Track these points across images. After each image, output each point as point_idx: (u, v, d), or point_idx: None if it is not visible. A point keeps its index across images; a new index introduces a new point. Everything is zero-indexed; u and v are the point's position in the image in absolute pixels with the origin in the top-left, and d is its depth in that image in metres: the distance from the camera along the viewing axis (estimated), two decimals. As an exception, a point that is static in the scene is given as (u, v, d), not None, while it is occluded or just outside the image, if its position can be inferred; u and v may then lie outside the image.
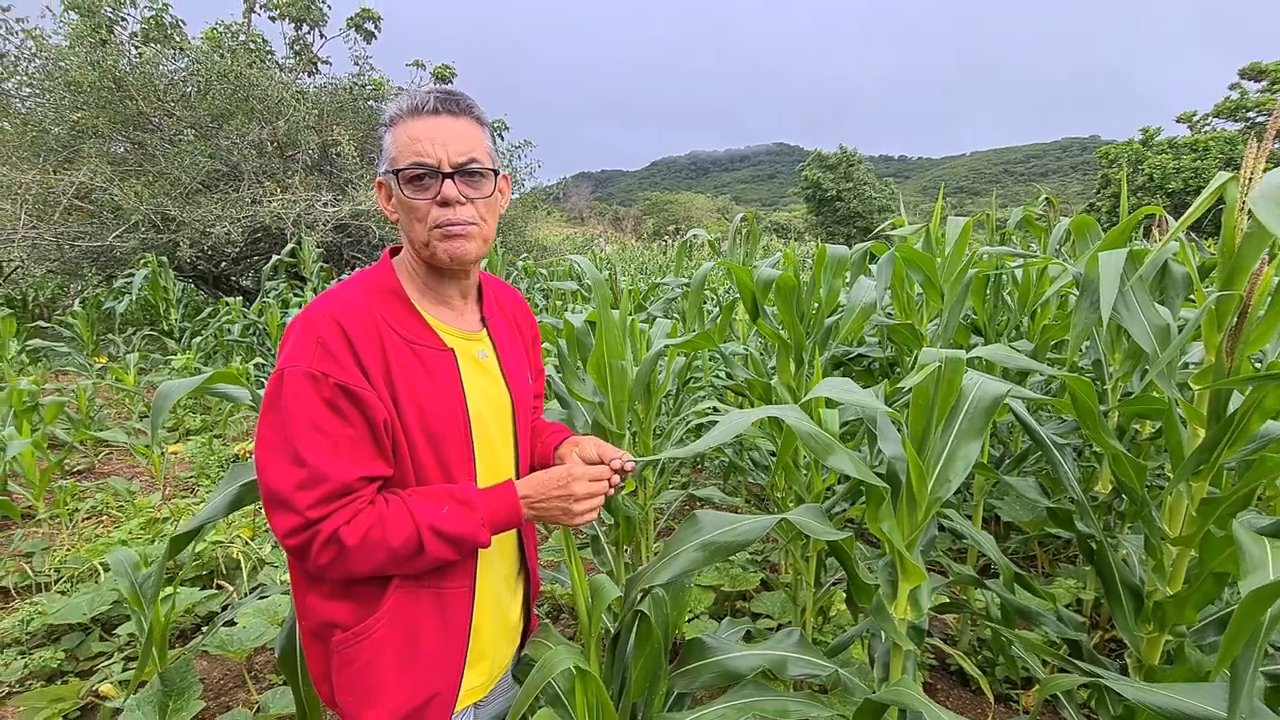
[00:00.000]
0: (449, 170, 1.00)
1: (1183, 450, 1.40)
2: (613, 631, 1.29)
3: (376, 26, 12.49)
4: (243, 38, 11.12)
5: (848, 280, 2.62)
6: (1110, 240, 1.61)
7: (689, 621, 2.60)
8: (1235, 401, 1.38)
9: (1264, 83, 28.74)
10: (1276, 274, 1.34)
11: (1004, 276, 2.73)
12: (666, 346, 1.97)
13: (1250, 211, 1.30)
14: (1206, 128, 30.20)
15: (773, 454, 2.61)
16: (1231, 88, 29.99)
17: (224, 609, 2.80)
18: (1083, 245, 2.25)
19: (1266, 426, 1.38)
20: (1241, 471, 1.60)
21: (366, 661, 0.99)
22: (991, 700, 2.36)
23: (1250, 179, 1.32)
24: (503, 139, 13.42)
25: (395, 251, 1.13)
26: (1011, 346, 2.84)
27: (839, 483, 2.18)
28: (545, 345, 2.52)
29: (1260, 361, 1.66)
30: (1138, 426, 2.36)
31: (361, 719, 1.00)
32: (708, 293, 5.03)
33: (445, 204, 1.01)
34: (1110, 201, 27.97)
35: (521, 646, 1.26)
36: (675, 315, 4.34)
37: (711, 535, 1.17)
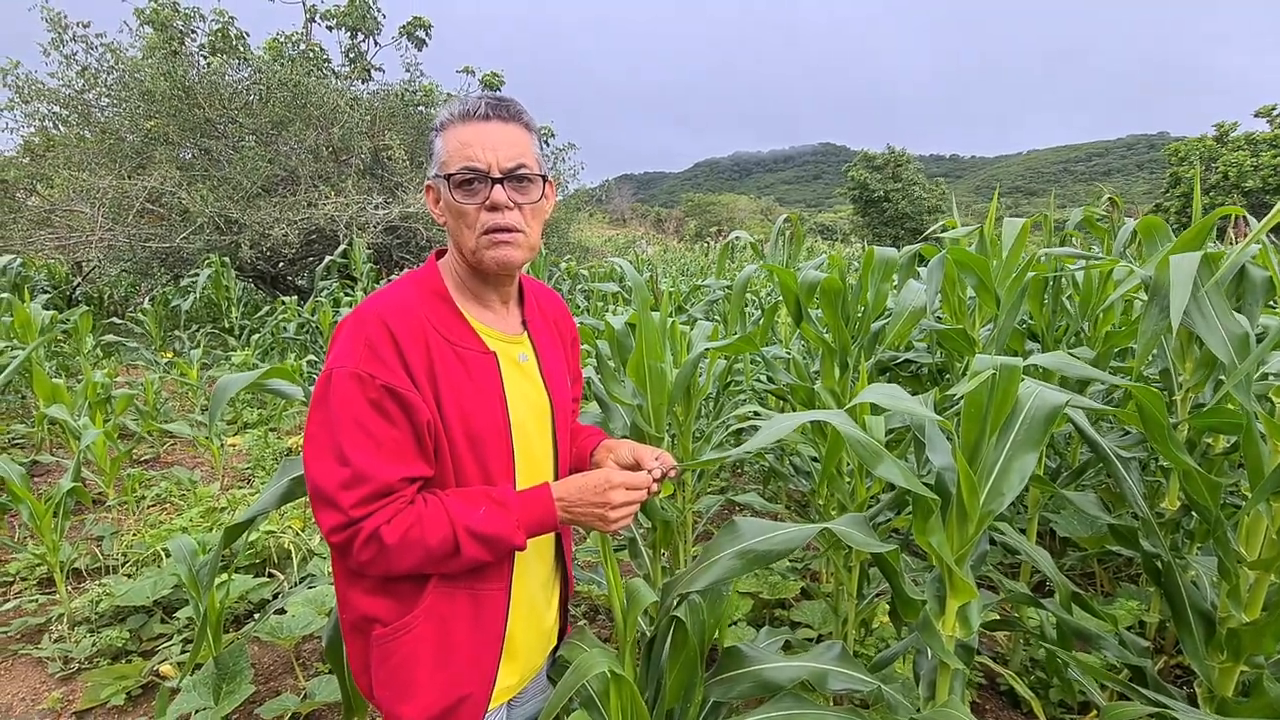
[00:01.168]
0: (498, 175, 1.01)
1: (1263, 468, 1.31)
2: (649, 635, 1.27)
3: (427, 33, 12.83)
4: (302, 47, 11.59)
5: (896, 283, 2.55)
6: (1183, 243, 1.52)
7: (728, 627, 2.57)
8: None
9: (1355, 73, 26.82)
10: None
11: (1063, 280, 2.61)
12: (707, 349, 1.95)
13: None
14: (1292, 122, 28.29)
15: (815, 460, 2.55)
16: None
17: (275, 597, 2.91)
18: (1150, 247, 2.12)
19: (1360, 444, 1.28)
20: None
21: (403, 658, 1.01)
22: (1044, 724, 2.25)
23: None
24: (548, 145, 13.61)
25: (441, 254, 1.15)
26: (1071, 353, 2.71)
27: (883, 492, 2.12)
28: (585, 347, 2.53)
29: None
30: (1209, 441, 2.21)
31: (397, 713, 1.01)
32: (749, 295, 4.98)
33: (494, 208, 1.02)
34: (1179, 201, 26.50)
35: (557, 648, 1.26)
36: (717, 317, 4.30)
37: (750, 543, 1.14)
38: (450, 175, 1.01)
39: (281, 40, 11.50)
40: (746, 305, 5.03)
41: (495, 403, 1.05)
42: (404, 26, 12.60)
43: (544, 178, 1.07)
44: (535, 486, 1.06)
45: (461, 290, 1.10)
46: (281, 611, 2.54)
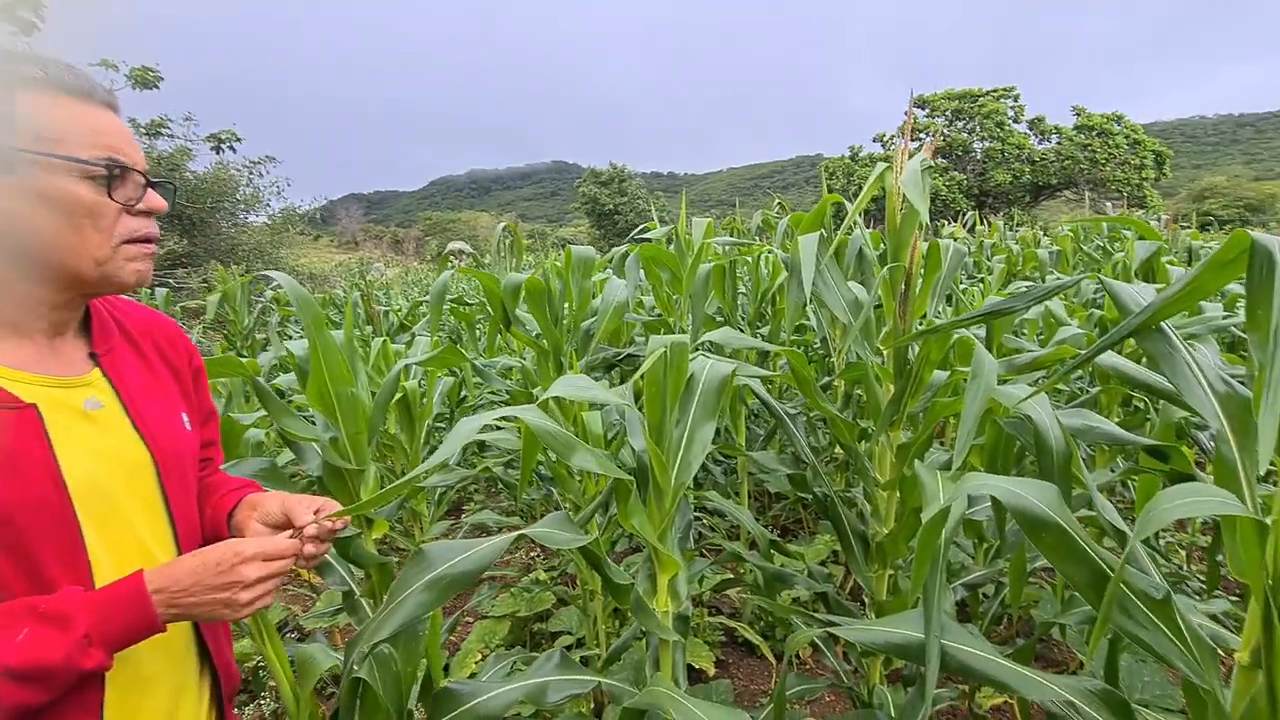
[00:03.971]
0: (152, 179, 0.87)
1: (879, 405, 1.60)
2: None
3: (39, 16, 10.08)
4: None
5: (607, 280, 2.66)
6: (805, 227, 1.80)
7: (481, 660, 2.41)
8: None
9: (927, 110, 36.69)
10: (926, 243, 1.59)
11: (741, 271, 2.98)
12: (408, 365, 1.78)
13: (903, 194, 1.53)
14: (894, 145, 37.47)
15: (542, 465, 2.53)
16: (906, 113, 37.71)
17: None
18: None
19: (935, 376, 1.63)
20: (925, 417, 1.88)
21: None
22: (774, 662, 2.53)
23: (900, 169, 1.55)
24: (234, 151, 11.68)
25: None
26: (759, 333, 3.12)
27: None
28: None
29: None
30: (860, 392, 2.72)
31: None
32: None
33: (149, 214, 0.88)
34: (835, 208, 33.43)
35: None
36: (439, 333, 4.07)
37: (441, 570, 1.02)
38: (86, 161, 0.79)
39: None
40: (478, 319, 4.88)
41: (38, 473, 0.76)
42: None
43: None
44: (120, 581, 0.78)
45: None
46: None
